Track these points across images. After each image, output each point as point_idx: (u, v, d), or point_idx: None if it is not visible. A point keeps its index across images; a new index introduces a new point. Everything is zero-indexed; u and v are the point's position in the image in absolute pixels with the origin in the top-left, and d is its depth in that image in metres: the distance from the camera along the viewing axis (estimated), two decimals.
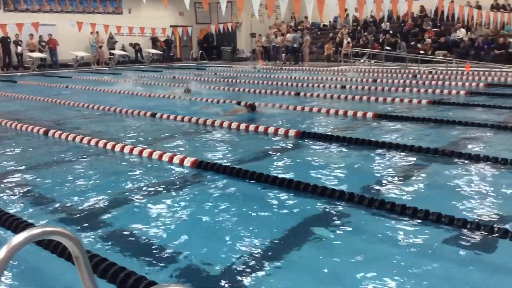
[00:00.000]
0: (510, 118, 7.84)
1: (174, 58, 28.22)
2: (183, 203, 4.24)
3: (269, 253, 3.22)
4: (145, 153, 5.87)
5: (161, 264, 3.10)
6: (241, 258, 3.15)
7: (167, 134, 7.40)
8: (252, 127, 7.36)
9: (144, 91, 12.69)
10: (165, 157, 5.64)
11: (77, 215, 4.01)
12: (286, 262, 3.12)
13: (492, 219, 3.71)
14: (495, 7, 21.01)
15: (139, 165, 5.59)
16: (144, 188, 4.67)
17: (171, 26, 26.41)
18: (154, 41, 26.81)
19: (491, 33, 19.71)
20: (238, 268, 3.01)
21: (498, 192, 4.34)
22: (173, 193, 4.52)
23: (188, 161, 5.40)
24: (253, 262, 3.09)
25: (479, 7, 20.00)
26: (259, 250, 3.26)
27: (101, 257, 2.95)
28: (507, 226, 3.50)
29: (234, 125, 7.58)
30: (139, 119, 8.79)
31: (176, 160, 5.51)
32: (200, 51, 28.12)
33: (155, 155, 5.75)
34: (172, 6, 25.79)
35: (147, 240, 3.48)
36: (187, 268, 3.04)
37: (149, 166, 5.54)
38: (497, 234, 3.35)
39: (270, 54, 24.77)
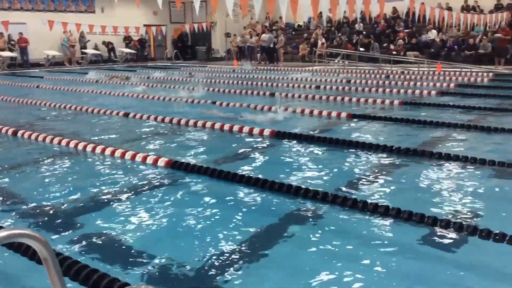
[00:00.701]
0: (479, 118, 8.02)
1: (148, 58, 27.94)
2: (156, 204, 4.20)
3: (244, 253, 3.22)
4: (117, 154, 5.79)
5: (135, 266, 3.06)
6: (217, 258, 3.15)
7: (141, 134, 7.31)
8: (227, 126, 7.34)
9: (118, 91, 12.52)
10: (138, 158, 5.58)
11: (49, 217, 3.93)
12: (261, 261, 3.13)
13: (462, 217, 3.79)
14: (465, 9, 21.50)
15: (112, 165, 5.51)
16: (116, 189, 4.61)
17: (145, 25, 26.11)
18: (128, 40, 26.49)
19: (461, 34, 20.14)
20: (213, 268, 3.01)
21: (468, 191, 4.44)
22: (147, 194, 4.47)
23: (162, 161, 5.36)
24: (228, 262, 3.08)
25: (449, 9, 20.42)
26: (235, 250, 3.25)
27: (74, 259, 2.91)
28: (476, 224, 3.59)
29: (208, 124, 7.55)
30: (111, 119, 8.67)
31: (149, 160, 5.46)
32: (175, 51, 27.90)
33: (128, 156, 5.68)
34: (145, 5, 25.55)
35: (120, 241, 3.44)
36: (162, 270, 3.01)
37: (122, 166, 5.47)
38: (466, 232, 3.43)
39: (245, 54, 24.76)
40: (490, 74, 14.93)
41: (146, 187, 4.66)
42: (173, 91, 12.28)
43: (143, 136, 7.19)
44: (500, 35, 17.89)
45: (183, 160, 5.42)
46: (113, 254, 3.24)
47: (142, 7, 25.49)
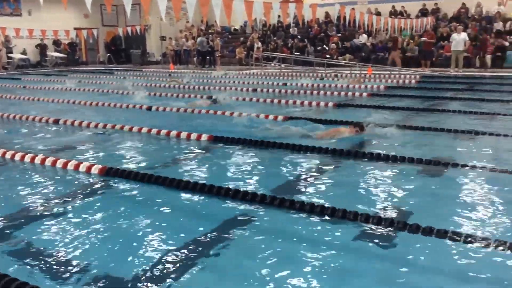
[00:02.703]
0: (408, 118, 8.41)
1: (80, 62, 26.98)
2: (90, 213, 4.05)
3: (184, 259, 3.18)
4: (48, 162, 5.54)
5: (68, 278, 2.94)
6: (156, 266, 3.09)
7: (73, 141, 7.04)
8: (163, 131, 7.24)
9: (47, 97, 12.00)
10: (70, 165, 5.36)
11: None
12: (201, 266, 3.10)
13: (393, 213, 3.96)
14: (393, 14, 22.50)
15: (42, 175, 5.27)
16: (47, 199, 4.41)
17: (75, 28, 25.21)
18: (57, 44, 25.44)
19: (390, 38, 21.02)
20: (152, 277, 2.95)
21: (398, 188, 4.64)
22: (81, 203, 4.31)
23: (96, 169, 5.19)
24: (167, 270, 3.04)
25: (378, 14, 21.28)
26: (174, 257, 3.21)
27: (2, 273, 2.77)
28: (406, 219, 3.76)
29: (144, 130, 7.41)
30: (41, 126, 8.29)
31: (82, 168, 5.26)
32: (108, 54, 27.15)
33: (59, 164, 5.45)
34: (75, 8, 24.66)
35: (52, 253, 3.29)
36: (97, 281, 2.91)
37: (53, 175, 5.24)
38: (397, 227, 3.58)
39: (181, 58, 24.53)
40: (417, 76, 15.72)
41: (80, 196, 4.49)
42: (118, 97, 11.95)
43: (76, 143, 6.92)
44: (425, 38, 18.87)
45: (119, 167, 5.27)
46: (46, 267, 3.09)
47: (72, 10, 24.58)
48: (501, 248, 3.21)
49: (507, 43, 17.91)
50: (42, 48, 24.89)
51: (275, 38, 24.02)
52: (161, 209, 4.18)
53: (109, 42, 28.01)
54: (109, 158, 5.95)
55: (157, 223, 3.85)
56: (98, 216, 4.00)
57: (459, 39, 17.08)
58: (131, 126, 7.66)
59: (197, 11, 9.83)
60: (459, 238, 3.35)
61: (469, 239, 3.34)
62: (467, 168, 5.12)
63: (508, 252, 3.17)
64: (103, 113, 9.58)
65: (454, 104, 9.93)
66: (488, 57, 17.71)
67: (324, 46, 22.03)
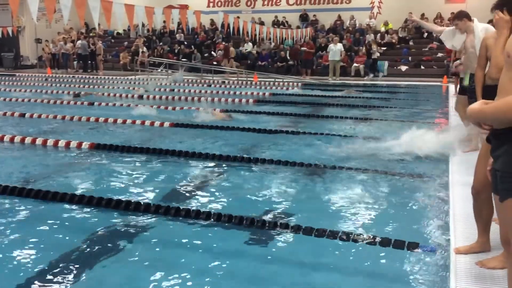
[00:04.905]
0: (290, 123, 8.73)
1: None
2: None
3: (64, 274, 3.00)
4: None
5: None
6: (31, 283, 2.89)
7: None
8: (39, 140, 6.75)
9: None
10: None
11: None
12: (87, 281, 2.96)
13: (279, 215, 4.07)
14: (276, 24, 23.38)
15: None
16: None
17: None
18: None
19: (273, 47, 21.81)
20: None
21: (282, 191, 4.81)
22: None
23: None
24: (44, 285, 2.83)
25: (262, 23, 21.96)
26: (53, 274, 3.02)
27: None
28: (288, 220, 3.91)
29: (17, 139, 6.85)
30: None
31: None
32: None
33: None
34: None
35: None
36: None
37: None
38: (280, 228, 3.71)
39: (59, 62, 23.07)
40: (299, 83, 16.49)
41: None
42: None
43: None
44: (305, 48, 19.86)
45: None
46: None
47: None
48: (374, 243, 3.46)
49: (378, 54, 19.54)
50: None
51: (161, 44, 23.66)
52: (35, 223, 3.89)
53: None
54: None
55: (30, 238, 3.58)
56: None
57: (336, 50, 18.26)
58: (2, 134, 7.03)
59: (73, 13, 9.20)
60: (336, 236, 3.56)
61: (345, 236, 3.56)
62: (343, 169, 5.45)
63: (380, 246, 3.43)
64: None
65: (332, 110, 10.55)
66: (361, 67, 19.13)
67: (212, 52, 22.20)
